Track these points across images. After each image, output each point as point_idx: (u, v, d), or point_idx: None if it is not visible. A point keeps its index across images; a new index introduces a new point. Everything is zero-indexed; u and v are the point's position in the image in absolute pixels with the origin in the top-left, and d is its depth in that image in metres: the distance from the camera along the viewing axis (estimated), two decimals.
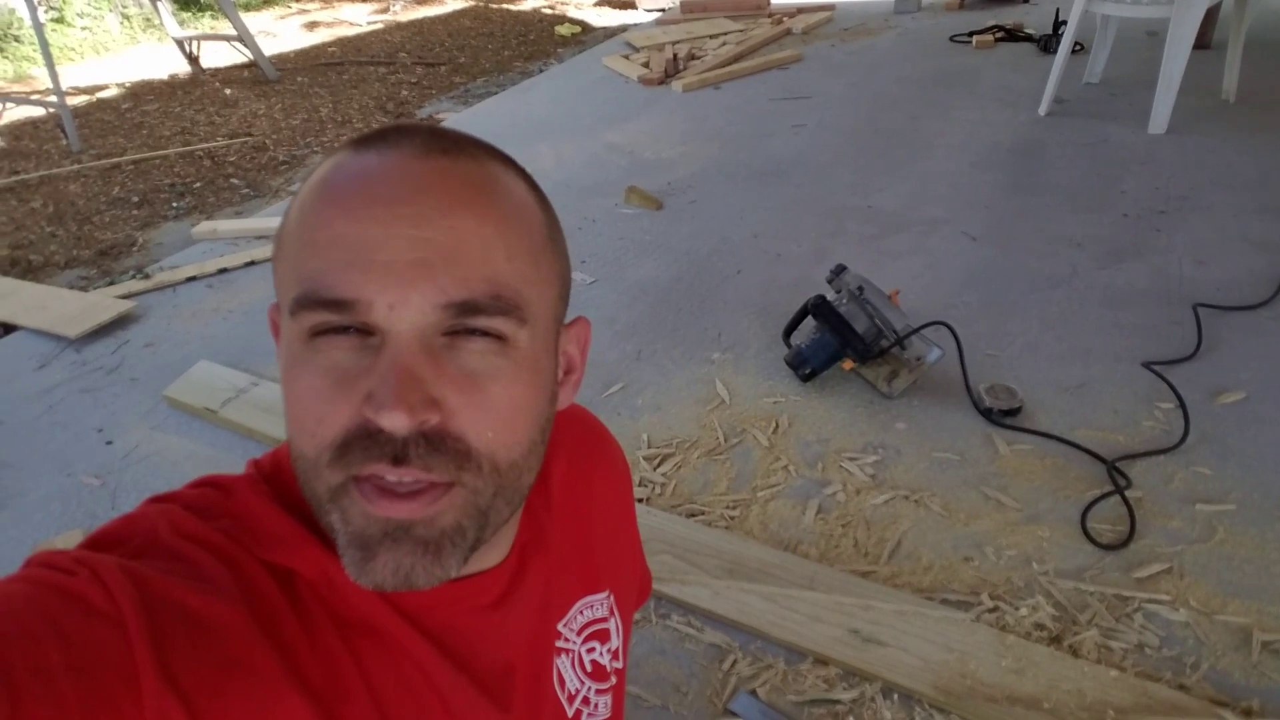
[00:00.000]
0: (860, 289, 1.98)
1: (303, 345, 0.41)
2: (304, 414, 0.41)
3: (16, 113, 4.85)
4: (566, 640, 0.59)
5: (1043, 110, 3.59)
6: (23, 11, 5.86)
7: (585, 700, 0.60)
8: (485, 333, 0.41)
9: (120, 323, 2.54)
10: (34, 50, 6.04)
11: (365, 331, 0.40)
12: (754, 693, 1.32)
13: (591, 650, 0.61)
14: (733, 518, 1.67)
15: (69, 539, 1.70)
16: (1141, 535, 1.54)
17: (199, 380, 2.17)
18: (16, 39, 6.27)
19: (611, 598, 0.64)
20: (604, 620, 0.62)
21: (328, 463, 0.41)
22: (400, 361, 0.39)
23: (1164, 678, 1.29)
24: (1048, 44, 4.41)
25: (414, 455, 0.39)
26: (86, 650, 0.37)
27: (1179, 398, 1.85)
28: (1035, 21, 4.98)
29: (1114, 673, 1.29)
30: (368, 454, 0.40)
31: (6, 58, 6.12)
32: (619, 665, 0.64)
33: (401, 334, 0.40)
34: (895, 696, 1.30)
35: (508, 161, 0.47)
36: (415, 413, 0.39)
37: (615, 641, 0.64)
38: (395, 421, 0.38)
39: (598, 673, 0.61)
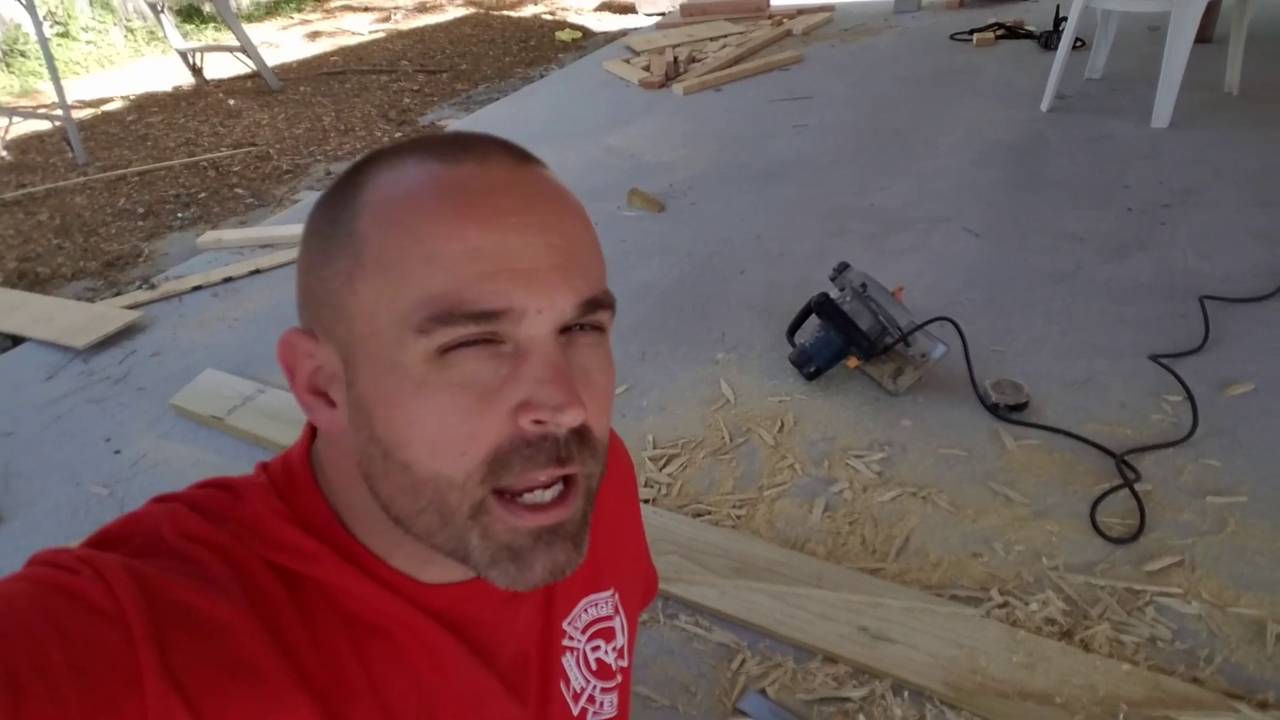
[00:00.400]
0: (864, 286, 1.97)
1: (430, 364, 0.40)
2: (447, 434, 0.40)
3: (23, 127, 4.88)
4: (571, 638, 0.59)
5: (1044, 106, 3.58)
6: (28, 27, 5.92)
7: (590, 699, 0.60)
8: (592, 327, 0.44)
9: (127, 333, 2.55)
10: (40, 65, 6.09)
11: (495, 340, 0.40)
12: (763, 692, 1.31)
13: (596, 648, 0.61)
14: (739, 517, 1.66)
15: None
16: (1152, 528, 1.53)
17: (206, 388, 2.18)
18: (23, 54, 6.33)
19: (616, 596, 0.64)
20: (609, 619, 0.62)
21: (479, 480, 0.41)
22: (555, 363, 0.41)
23: (1177, 671, 1.28)
24: (1048, 40, 4.40)
25: (575, 453, 0.42)
26: (89, 650, 0.37)
27: (1187, 390, 1.84)
28: (1035, 18, 4.97)
29: (1126, 666, 1.28)
30: (531, 462, 0.41)
31: (13, 73, 6.17)
32: (624, 664, 0.64)
33: (545, 338, 0.41)
34: (906, 693, 1.29)
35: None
36: (582, 407, 0.41)
37: (620, 640, 0.64)
38: (574, 418, 0.40)
39: (603, 671, 0.61)
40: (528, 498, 0.42)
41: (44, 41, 4.27)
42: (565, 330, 0.42)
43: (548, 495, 0.42)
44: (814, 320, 2.01)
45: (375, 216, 0.41)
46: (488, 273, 0.39)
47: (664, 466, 1.82)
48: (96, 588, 0.39)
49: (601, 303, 0.43)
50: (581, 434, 0.42)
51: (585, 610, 0.60)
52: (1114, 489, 1.62)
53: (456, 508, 0.41)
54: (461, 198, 0.40)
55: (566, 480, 0.43)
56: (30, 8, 4.19)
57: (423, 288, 0.39)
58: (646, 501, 1.72)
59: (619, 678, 0.63)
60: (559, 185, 0.45)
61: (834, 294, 2.02)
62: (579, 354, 0.43)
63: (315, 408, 0.45)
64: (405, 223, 0.40)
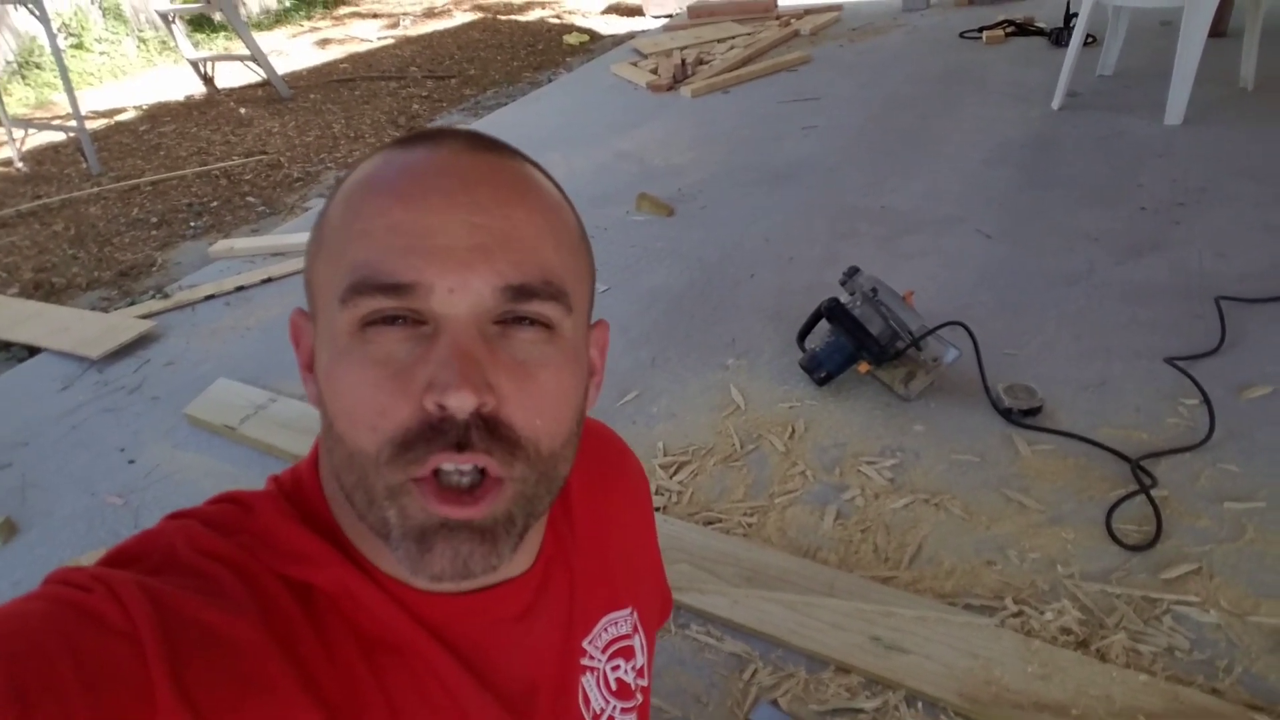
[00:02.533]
0: (874, 290, 1.96)
1: (351, 337, 0.41)
2: (361, 406, 0.41)
3: (38, 138, 4.94)
4: (592, 658, 0.58)
5: (1056, 104, 3.55)
6: (43, 39, 5.98)
7: (610, 719, 0.59)
8: (535, 321, 0.43)
9: (141, 342, 2.57)
10: (54, 77, 6.15)
11: (417, 321, 0.41)
12: (775, 702, 1.31)
13: (616, 668, 0.60)
14: (750, 525, 1.66)
15: (94, 558, 1.71)
16: (1168, 535, 1.51)
17: (218, 398, 2.20)
18: (38, 66, 6.40)
19: (635, 614, 0.63)
20: (628, 637, 0.62)
21: (388, 459, 0.40)
22: (460, 345, 0.40)
23: (1196, 681, 1.26)
24: (1059, 37, 4.36)
25: (476, 440, 0.40)
26: (101, 667, 0.37)
27: (1203, 393, 1.82)
28: (1046, 15, 4.93)
29: (1144, 677, 1.26)
30: (430, 445, 0.40)
31: (28, 85, 6.24)
32: (644, 683, 0.64)
33: (459, 319, 0.40)
34: (919, 704, 1.28)
35: (538, 165, 0.50)
36: (479, 392, 0.39)
37: (640, 659, 0.63)
38: (462, 401, 0.39)
39: (623, 691, 0.60)
40: (442, 476, 0.41)
41: (58, 53, 4.31)
42: (501, 322, 0.42)
43: (453, 467, 0.41)
44: (824, 325, 2.00)
45: (338, 200, 0.45)
46: (402, 246, 0.40)
47: (674, 474, 1.81)
48: (109, 605, 0.39)
49: (536, 292, 0.42)
50: (491, 426, 0.40)
51: (605, 629, 0.60)
52: (1130, 495, 1.60)
53: (375, 485, 0.41)
54: (398, 178, 0.42)
55: (484, 477, 0.42)
56: (45, 20, 4.23)
57: (349, 261, 0.41)
58: (658, 509, 1.71)
59: (639, 698, 0.63)
60: (522, 174, 0.45)
61: (844, 299, 2.01)
62: (515, 347, 0.42)
63: (307, 384, 0.48)
64: (351, 202, 0.43)
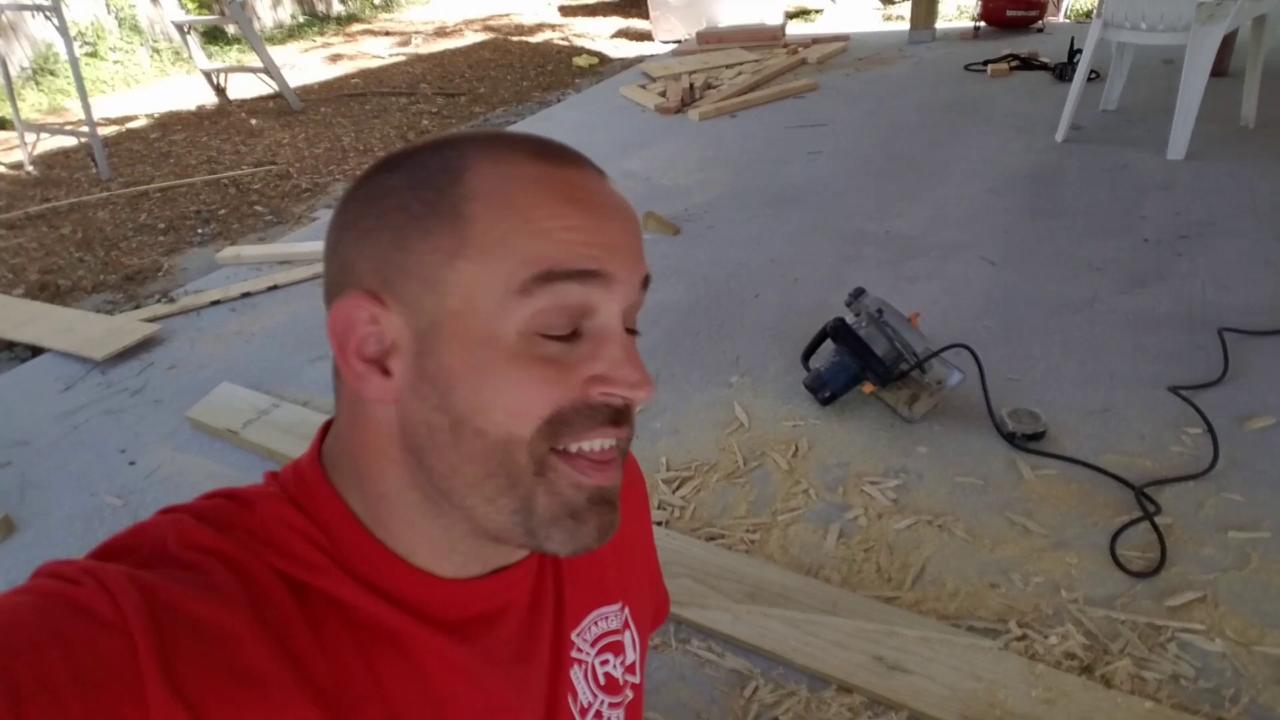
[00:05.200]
0: (880, 312, 1.97)
1: (523, 340, 0.44)
2: (522, 397, 0.44)
3: (50, 143, 4.98)
4: (580, 650, 0.58)
5: (1059, 137, 3.60)
6: (59, 47, 6.05)
7: (598, 714, 0.59)
8: (633, 330, 0.49)
9: (145, 345, 2.57)
10: (68, 83, 6.22)
11: (576, 336, 0.45)
12: None
13: (605, 662, 0.60)
14: (753, 541, 1.65)
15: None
16: (1173, 562, 1.51)
17: (221, 402, 2.19)
18: (52, 73, 6.47)
19: (627, 610, 0.63)
20: (618, 633, 0.62)
21: (539, 435, 0.44)
22: (629, 347, 0.46)
23: (1202, 710, 1.25)
24: (1063, 72, 4.43)
25: (628, 417, 0.47)
26: (91, 660, 0.36)
27: (1207, 423, 1.82)
28: (1050, 50, 5.01)
29: (1149, 704, 1.25)
30: (591, 422, 0.45)
31: (42, 90, 6.30)
32: (634, 680, 0.63)
33: (618, 327, 0.46)
34: None
35: None
36: (654, 388, 0.46)
37: (631, 655, 0.63)
38: (648, 395, 0.46)
39: (610, 686, 0.60)
40: (587, 445, 0.45)
41: (74, 61, 4.36)
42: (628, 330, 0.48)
43: (606, 444, 0.46)
44: (829, 345, 2.01)
45: (487, 203, 0.44)
46: (585, 241, 0.44)
47: (677, 489, 1.81)
48: (99, 598, 0.39)
49: (649, 281, 0.50)
50: (629, 409, 0.47)
51: (595, 623, 0.60)
52: (1134, 521, 1.59)
53: (524, 466, 0.44)
54: (566, 190, 0.45)
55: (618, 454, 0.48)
56: (63, 30, 4.28)
57: (527, 255, 0.43)
58: (660, 524, 1.70)
59: (628, 694, 0.62)
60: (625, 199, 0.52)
61: (850, 319, 2.02)
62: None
63: (367, 376, 0.45)
64: (516, 207, 0.44)
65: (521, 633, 0.53)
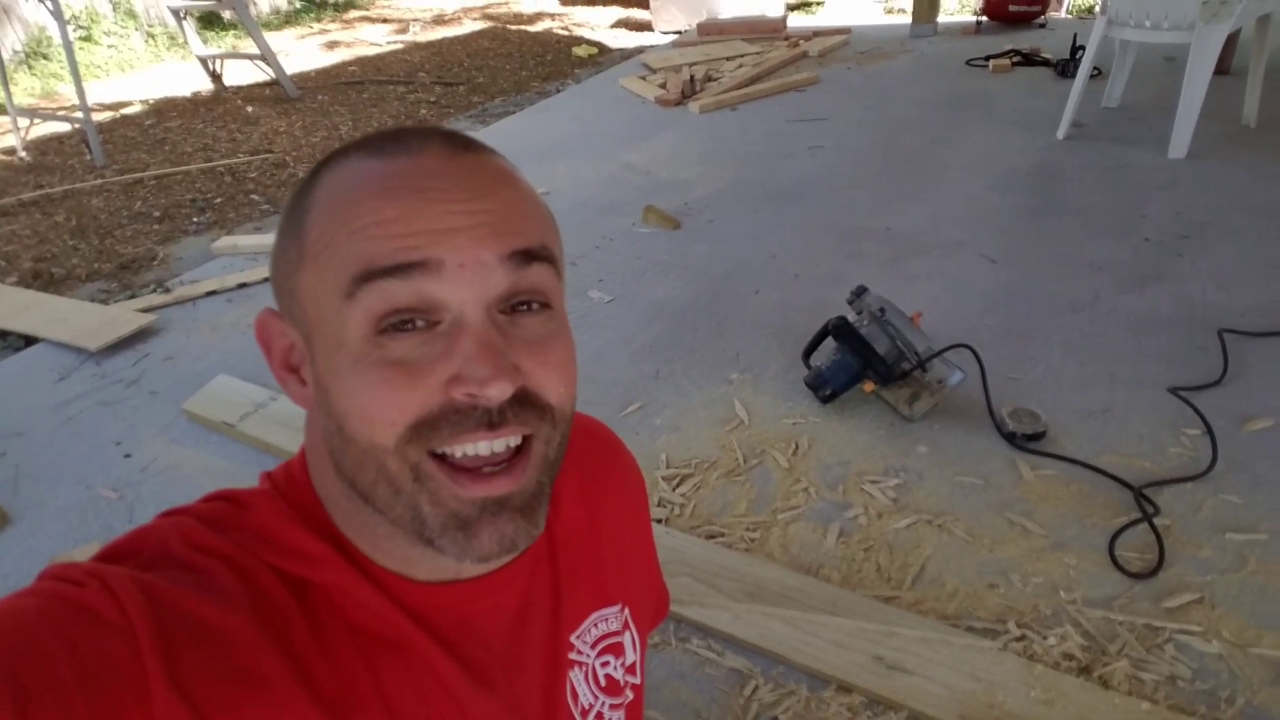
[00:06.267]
0: (882, 310, 1.97)
1: (366, 342, 0.41)
2: (377, 405, 0.41)
3: (43, 128, 4.93)
4: (580, 653, 0.58)
5: (1061, 134, 3.59)
6: (52, 30, 5.98)
7: (599, 716, 0.59)
8: (535, 304, 0.45)
9: (140, 336, 2.56)
10: (62, 68, 6.16)
11: (431, 323, 0.42)
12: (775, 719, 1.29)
13: (605, 664, 0.60)
14: (753, 540, 1.65)
15: (86, 551, 1.69)
16: (1171, 564, 1.51)
17: (217, 394, 2.18)
18: (45, 57, 6.40)
19: (626, 611, 0.63)
20: (618, 634, 0.62)
21: (407, 442, 0.41)
22: (483, 338, 0.41)
23: (1198, 712, 1.25)
24: (1065, 69, 4.41)
25: (510, 417, 0.42)
26: (96, 662, 0.37)
27: (1206, 424, 1.82)
28: (1052, 46, 4.99)
29: (1146, 705, 1.26)
30: (459, 427, 0.41)
31: (35, 75, 6.23)
32: (635, 681, 0.64)
33: (475, 316, 0.42)
34: None
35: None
36: (512, 379, 0.41)
37: (631, 656, 0.63)
38: (501, 391, 0.41)
39: (611, 687, 0.61)
40: (461, 450, 0.42)
41: (68, 45, 4.31)
42: (510, 311, 0.44)
43: (487, 448, 0.43)
44: (830, 343, 2.01)
45: (319, 210, 0.44)
46: (403, 233, 0.41)
47: (677, 486, 1.80)
48: (104, 600, 0.39)
49: (537, 254, 0.44)
50: (521, 397, 0.43)
51: (594, 625, 0.60)
52: (1133, 523, 1.60)
53: (398, 474, 0.42)
54: (387, 182, 0.42)
55: (519, 448, 0.44)
56: (56, 13, 4.23)
57: (345, 256, 0.41)
58: (659, 521, 1.70)
59: (629, 695, 0.63)
60: (501, 167, 0.47)
61: (852, 317, 2.01)
62: (526, 328, 0.44)
63: (289, 383, 0.48)
64: (338, 210, 0.43)
65: (510, 641, 0.53)
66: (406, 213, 0.41)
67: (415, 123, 4.93)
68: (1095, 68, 3.89)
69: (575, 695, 0.58)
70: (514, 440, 0.43)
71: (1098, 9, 3.78)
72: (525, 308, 0.44)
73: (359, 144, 0.45)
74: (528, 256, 0.43)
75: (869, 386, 1.95)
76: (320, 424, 0.45)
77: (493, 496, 0.43)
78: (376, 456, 0.42)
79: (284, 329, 0.47)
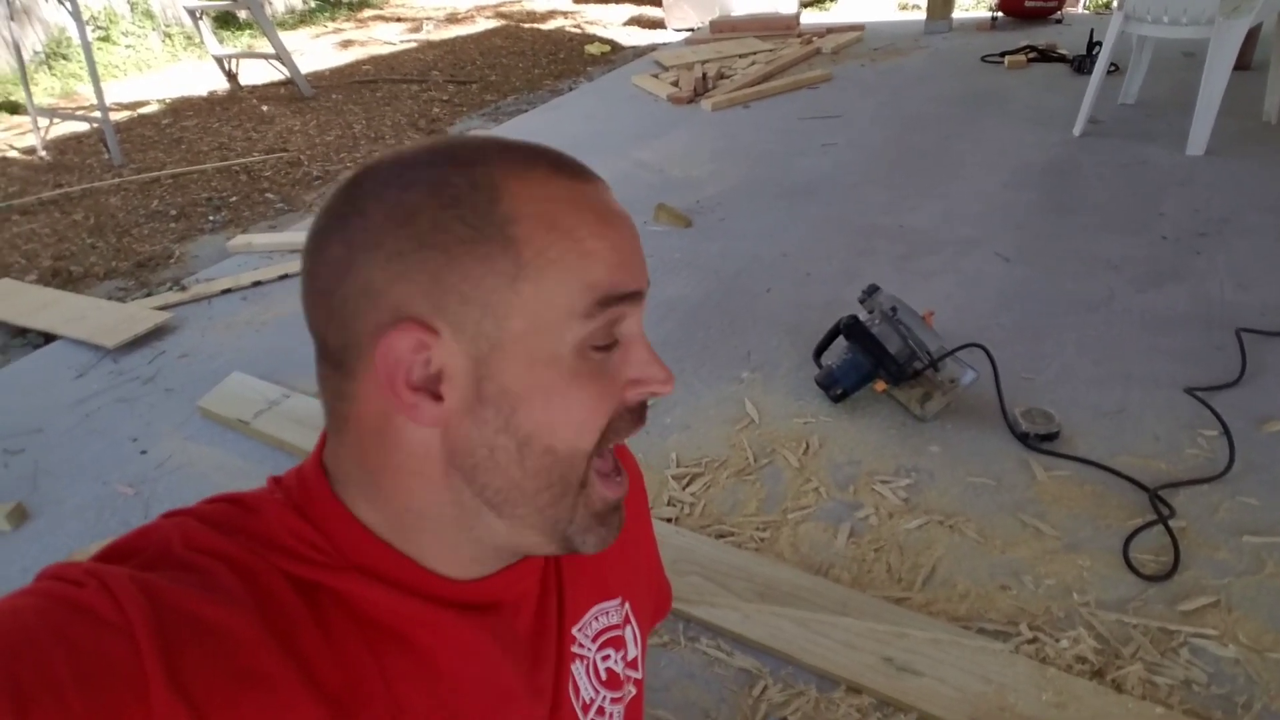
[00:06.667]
0: (894, 309, 1.95)
1: (579, 358, 0.45)
2: (589, 413, 0.46)
3: (62, 128, 4.98)
4: (582, 646, 0.59)
5: (1077, 130, 3.55)
6: (72, 31, 6.05)
7: (600, 710, 0.59)
8: None
9: (157, 334, 2.58)
10: (80, 68, 6.22)
11: (612, 345, 0.48)
12: None
13: (607, 658, 0.61)
14: (763, 539, 1.64)
15: (98, 549, 1.71)
16: (1186, 566, 1.50)
17: (232, 392, 2.20)
18: (64, 57, 6.47)
19: (627, 606, 0.64)
20: (618, 628, 0.62)
21: (595, 449, 0.47)
22: (651, 347, 0.49)
23: (1214, 716, 1.24)
24: (1081, 65, 4.36)
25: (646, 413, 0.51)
26: (95, 662, 0.37)
27: (1223, 425, 1.80)
28: (1068, 42, 4.94)
29: (1160, 710, 1.24)
30: (629, 423, 0.49)
31: (55, 75, 6.31)
32: (636, 676, 0.64)
33: (640, 332, 0.49)
34: None
35: None
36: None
37: (632, 651, 0.63)
38: (673, 387, 0.49)
39: (612, 681, 0.61)
40: (604, 466, 0.50)
41: (87, 45, 4.36)
42: None
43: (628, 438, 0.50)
44: (841, 342, 2.00)
45: (534, 225, 0.44)
46: (623, 262, 0.46)
47: (687, 485, 1.80)
48: (103, 600, 0.39)
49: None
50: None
51: (595, 619, 0.60)
52: (1147, 524, 1.58)
53: (575, 478, 0.47)
54: (597, 209, 0.47)
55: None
56: (76, 14, 4.28)
57: (583, 278, 0.45)
58: (669, 520, 1.70)
59: (630, 690, 0.63)
60: None
61: (863, 316, 2.00)
62: None
63: (419, 404, 0.44)
64: (563, 229, 0.44)
65: (533, 627, 0.55)
66: (625, 242, 0.47)
67: (428, 122, 4.94)
68: (1112, 63, 3.84)
69: (577, 689, 0.58)
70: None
71: (1115, 4, 3.73)
72: None
73: (530, 157, 0.46)
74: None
75: (880, 386, 1.94)
76: (472, 441, 0.44)
77: (618, 497, 0.51)
78: (572, 463, 0.47)
79: (428, 342, 0.43)
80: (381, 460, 0.47)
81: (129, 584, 0.40)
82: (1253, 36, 3.82)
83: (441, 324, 0.43)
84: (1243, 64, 3.70)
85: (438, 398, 0.44)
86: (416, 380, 0.44)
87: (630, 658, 0.63)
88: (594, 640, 0.60)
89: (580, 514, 0.49)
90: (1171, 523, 1.57)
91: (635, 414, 0.49)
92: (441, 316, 0.43)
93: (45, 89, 6.08)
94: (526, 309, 0.43)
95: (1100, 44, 3.49)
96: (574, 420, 0.46)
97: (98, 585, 0.40)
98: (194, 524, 0.46)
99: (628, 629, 0.63)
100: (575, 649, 0.58)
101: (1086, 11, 6.14)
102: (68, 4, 4.25)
